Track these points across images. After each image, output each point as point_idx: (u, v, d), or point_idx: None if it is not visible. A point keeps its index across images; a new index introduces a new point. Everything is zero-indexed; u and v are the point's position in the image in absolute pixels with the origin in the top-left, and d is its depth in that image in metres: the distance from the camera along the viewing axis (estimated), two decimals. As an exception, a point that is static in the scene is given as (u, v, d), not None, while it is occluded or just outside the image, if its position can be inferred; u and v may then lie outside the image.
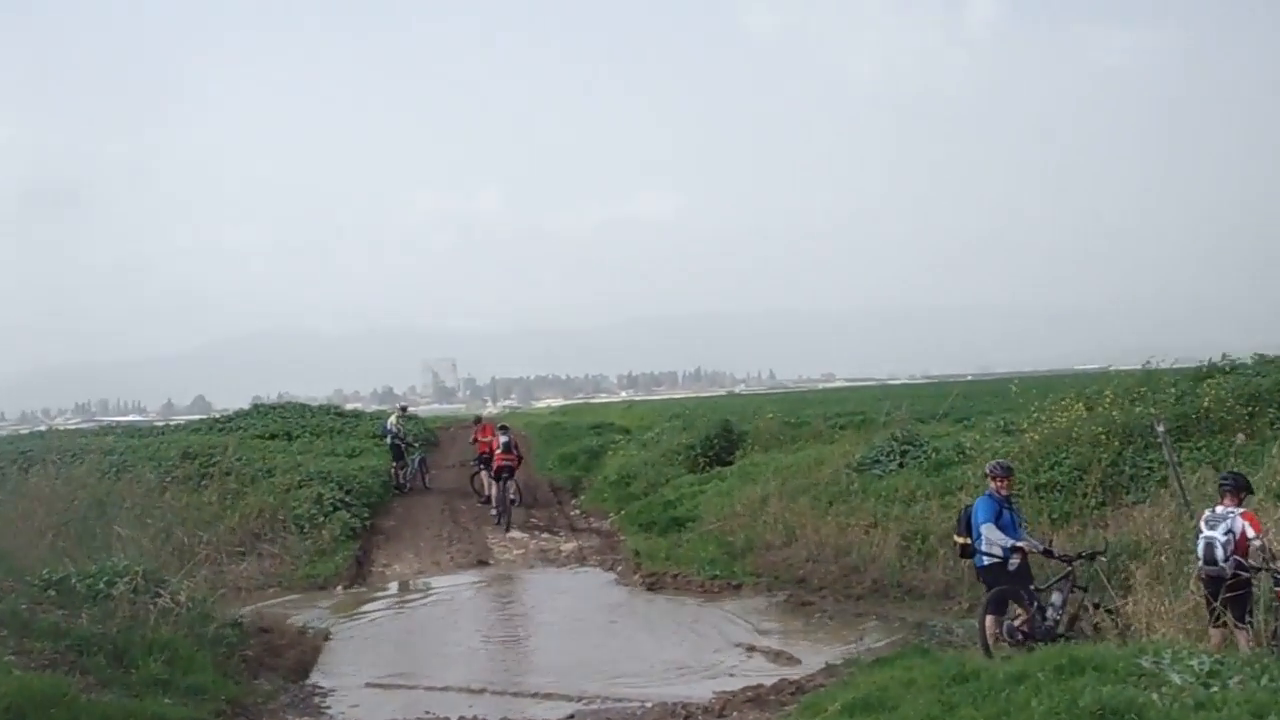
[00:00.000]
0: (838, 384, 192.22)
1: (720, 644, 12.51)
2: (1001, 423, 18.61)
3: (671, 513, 20.21)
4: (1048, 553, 10.42)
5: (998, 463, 10.93)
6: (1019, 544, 10.22)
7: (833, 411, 31.45)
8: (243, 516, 19.06)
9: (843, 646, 11.85)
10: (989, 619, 10.12)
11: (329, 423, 34.00)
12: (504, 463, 22.55)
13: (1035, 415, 16.43)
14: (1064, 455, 14.72)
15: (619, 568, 17.87)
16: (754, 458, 23.30)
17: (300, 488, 20.90)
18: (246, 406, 39.71)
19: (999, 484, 10.46)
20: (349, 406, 56.11)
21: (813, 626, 13.19)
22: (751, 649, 12.13)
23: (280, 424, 32.86)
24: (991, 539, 10.14)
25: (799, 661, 11.43)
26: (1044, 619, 10.06)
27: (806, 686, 9.93)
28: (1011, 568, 10.18)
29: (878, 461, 18.42)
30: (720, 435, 25.78)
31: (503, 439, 22.97)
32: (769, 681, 10.32)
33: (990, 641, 10.02)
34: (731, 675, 11.01)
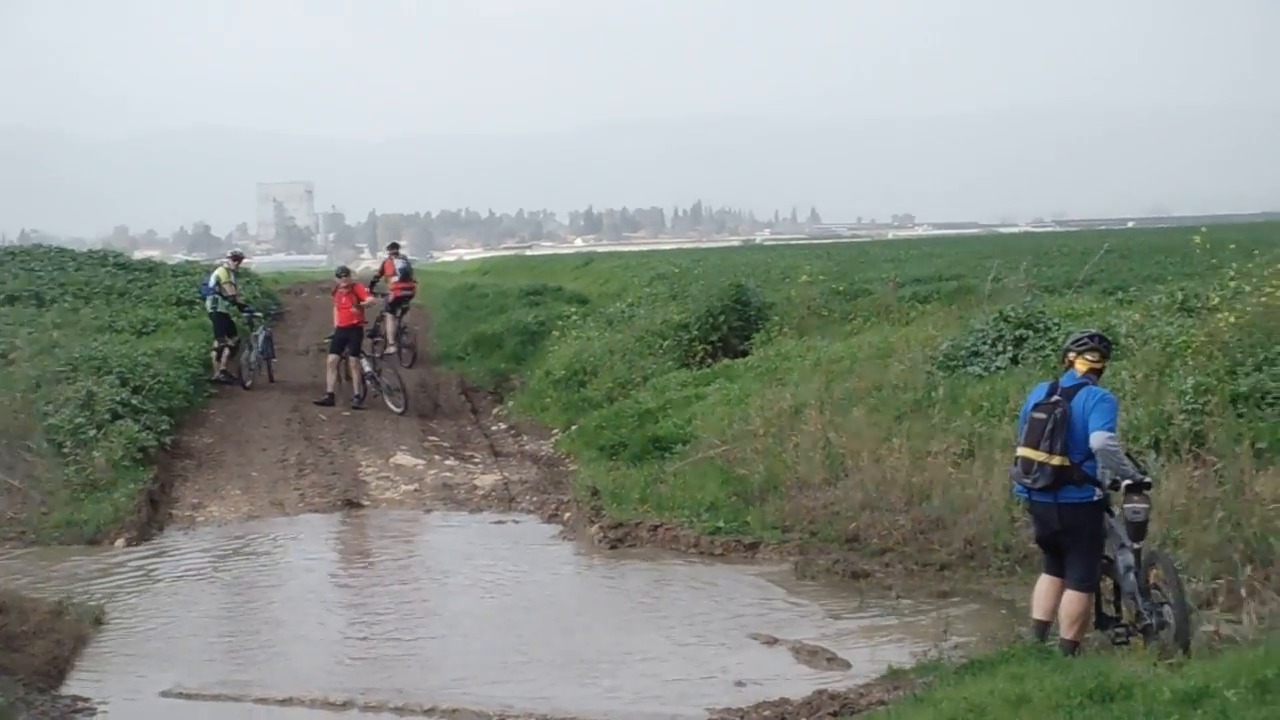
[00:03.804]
0: (919, 232, 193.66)
1: (724, 634, 12.55)
2: (1178, 295, 18.54)
3: (651, 429, 20.25)
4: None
5: (1093, 334, 10.95)
6: (1146, 478, 10.36)
7: (909, 275, 31.53)
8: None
9: (916, 642, 11.90)
10: (1080, 597, 10.39)
11: (106, 279, 34.02)
12: (403, 291, 28.86)
13: (1234, 284, 16.28)
14: (1280, 350, 14.68)
15: (567, 515, 17.92)
16: (782, 346, 23.34)
17: (58, 383, 20.84)
18: (-35, 251, 39.47)
19: (1097, 363, 10.67)
20: (140, 255, 55.90)
21: (869, 610, 13.23)
22: (773, 642, 12.18)
23: (24, 280, 32.75)
24: (1115, 450, 10.18)
25: (847, 664, 11.47)
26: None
27: (857, 703, 9.98)
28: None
29: (977, 354, 18.43)
30: (730, 309, 25.83)
31: (399, 263, 29.15)
32: (799, 693, 10.38)
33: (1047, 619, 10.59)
34: (740, 683, 11.05)
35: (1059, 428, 10.29)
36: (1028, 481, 10.48)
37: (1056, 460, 10.28)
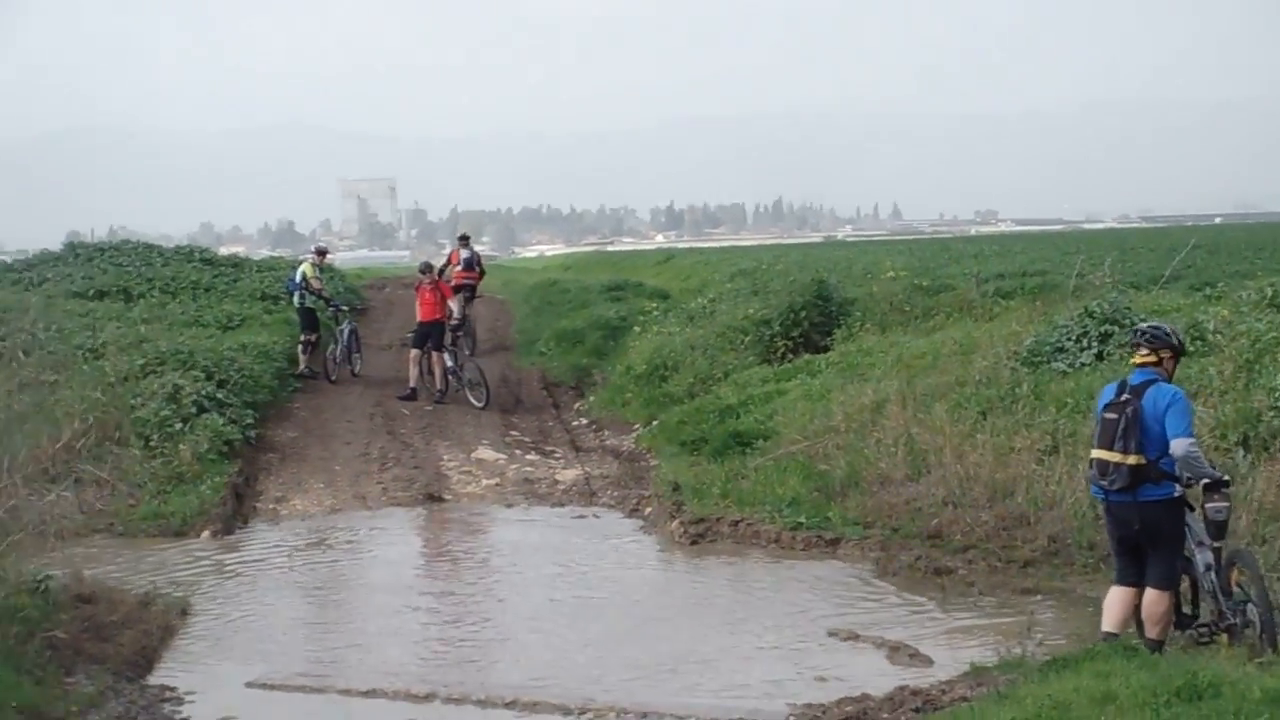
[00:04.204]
0: (1002, 228, 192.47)
1: (805, 630, 12.53)
2: (1268, 291, 18.32)
3: (732, 425, 20.23)
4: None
5: (1163, 327, 10.72)
6: (1225, 476, 10.27)
7: (992, 271, 31.30)
8: (50, 422, 19.11)
9: (999, 639, 11.77)
10: (1162, 596, 10.27)
11: (192, 274, 34.31)
12: (465, 280, 29.59)
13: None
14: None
15: (648, 510, 17.96)
16: (864, 341, 23.22)
17: (145, 377, 21.15)
18: (57, 248, 39.92)
19: (1148, 357, 10.50)
20: (225, 250, 56.56)
21: (952, 606, 13.17)
22: (854, 638, 12.15)
23: (113, 276, 33.11)
24: (1195, 455, 10.03)
25: (929, 660, 11.43)
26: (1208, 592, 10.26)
27: (940, 699, 9.90)
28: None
29: (1062, 350, 18.23)
30: (812, 305, 25.69)
31: (464, 254, 30.56)
32: (880, 690, 10.33)
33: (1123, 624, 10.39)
34: (821, 679, 11.02)
35: (1131, 427, 10.15)
36: (1105, 483, 10.35)
37: (1132, 459, 10.14)
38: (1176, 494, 10.18)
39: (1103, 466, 10.37)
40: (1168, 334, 10.62)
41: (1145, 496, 10.19)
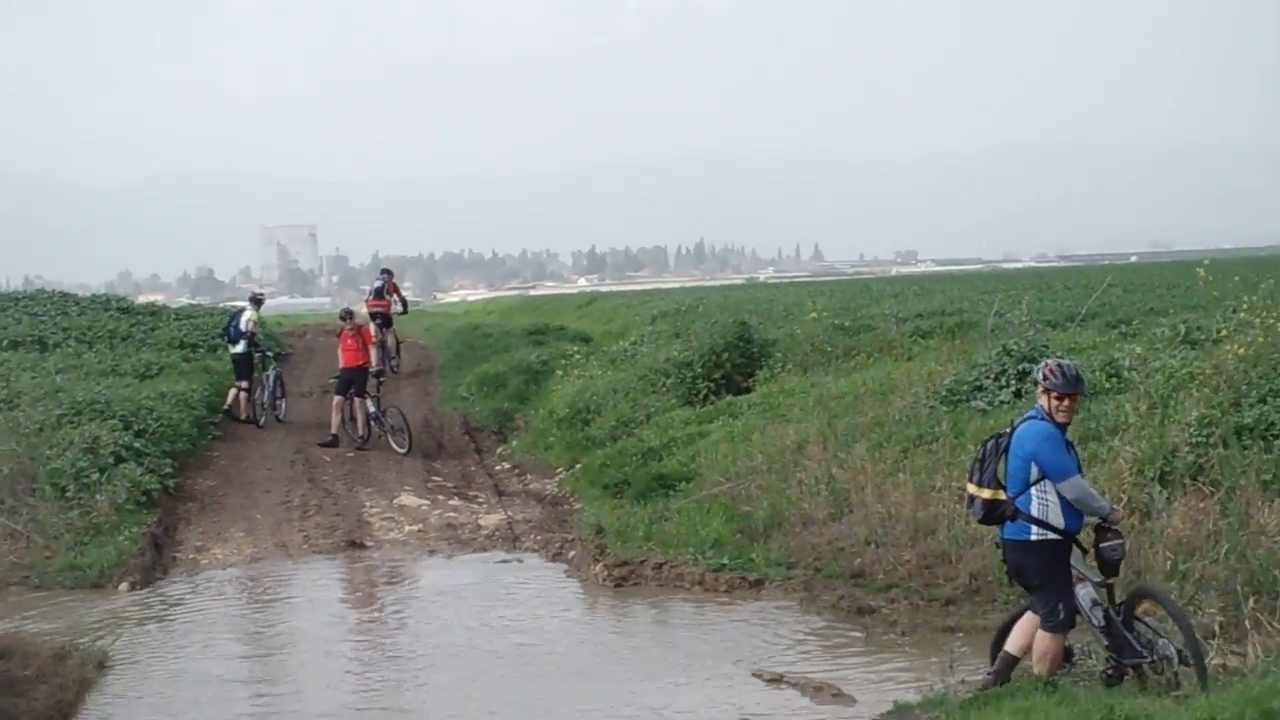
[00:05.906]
0: (922, 269, 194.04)
1: (729, 673, 12.52)
2: (1181, 328, 18.55)
3: (655, 467, 20.26)
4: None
5: (1062, 366, 10.27)
6: (1115, 512, 10.11)
7: (911, 310, 31.46)
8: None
9: (922, 677, 11.86)
10: (1045, 636, 10.04)
11: (109, 323, 34.10)
12: (376, 309, 31.38)
13: (1238, 316, 16.25)
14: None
15: (571, 554, 17.90)
16: (786, 382, 23.32)
17: (61, 427, 20.88)
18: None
19: (1058, 402, 10.04)
20: (143, 299, 56.12)
21: (875, 645, 13.21)
22: (778, 680, 12.16)
23: (27, 326, 32.84)
24: (1080, 496, 9.83)
25: (852, 700, 11.46)
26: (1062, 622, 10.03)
27: (863, 739, 9.95)
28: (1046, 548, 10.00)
29: (980, 389, 18.41)
30: (734, 347, 25.84)
31: (377, 283, 32.82)
32: (804, 731, 10.33)
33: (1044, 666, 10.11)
34: (746, 721, 11.00)
35: (989, 459, 10.05)
36: (971, 515, 10.38)
37: (986, 493, 10.02)
38: (1033, 537, 9.90)
39: (968, 499, 10.30)
40: (1039, 370, 10.43)
41: (1007, 535, 10.07)
